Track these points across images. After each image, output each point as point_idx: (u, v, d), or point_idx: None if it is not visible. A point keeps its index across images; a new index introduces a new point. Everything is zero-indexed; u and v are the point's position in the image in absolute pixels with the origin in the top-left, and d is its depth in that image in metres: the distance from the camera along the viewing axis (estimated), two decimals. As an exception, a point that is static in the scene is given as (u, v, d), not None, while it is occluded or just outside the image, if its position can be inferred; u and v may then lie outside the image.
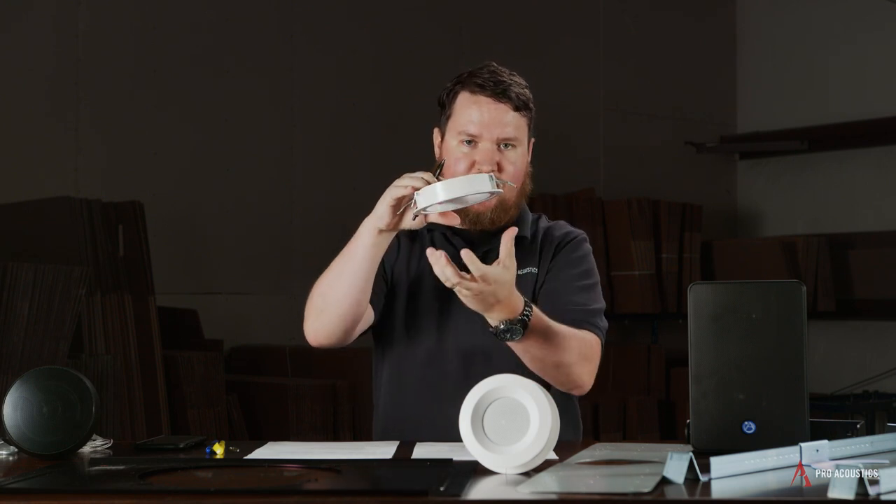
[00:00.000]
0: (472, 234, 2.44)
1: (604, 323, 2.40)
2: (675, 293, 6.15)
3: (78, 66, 5.05)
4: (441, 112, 2.48)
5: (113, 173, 5.09)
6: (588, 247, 2.49)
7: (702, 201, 6.44)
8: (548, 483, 1.71)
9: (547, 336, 2.19)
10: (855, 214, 6.80)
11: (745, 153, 7.33)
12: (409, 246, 2.48)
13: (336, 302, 2.29)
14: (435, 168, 2.30)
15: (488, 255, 2.40)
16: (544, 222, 2.53)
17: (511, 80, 2.42)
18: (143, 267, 4.62)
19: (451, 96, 2.44)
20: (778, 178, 7.18)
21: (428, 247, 2.26)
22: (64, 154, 5.00)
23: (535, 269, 2.43)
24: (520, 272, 2.38)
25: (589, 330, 2.33)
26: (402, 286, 2.45)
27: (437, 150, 2.49)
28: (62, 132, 5.01)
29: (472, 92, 2.40)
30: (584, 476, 1.78)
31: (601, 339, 2.36)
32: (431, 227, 2.43)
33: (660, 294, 6.13)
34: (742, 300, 1.93)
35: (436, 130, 2.49)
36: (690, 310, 1.95)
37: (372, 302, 2.37)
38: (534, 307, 2.17)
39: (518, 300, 2.12)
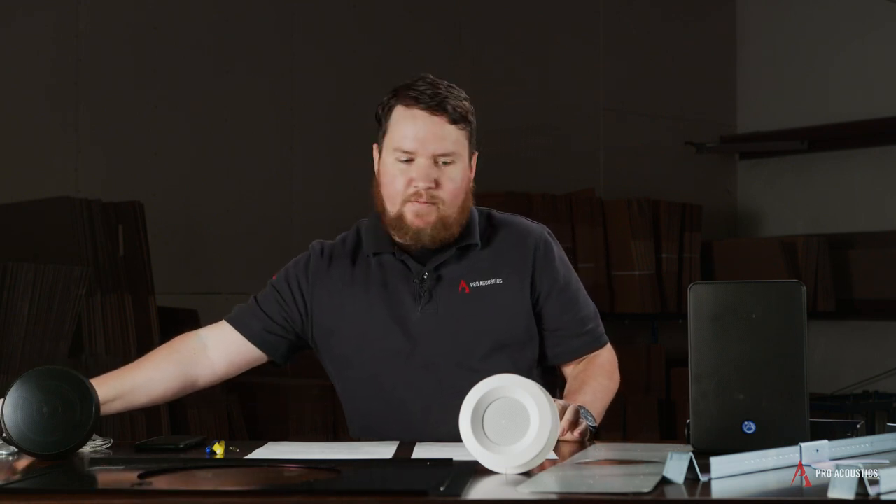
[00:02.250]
0: (419, 253, 2.38)
1: (600, 321, 2.49)
2: (675, 293, 6.14)
3: (78, 66, 5.05)
4: (378, 127, 2.40)
5: (113, 173, 5.09)
6: (555, 245, 2.47)
7: (702, 201, 6.44)
8: (548, 483, 1.71)
9: (604, 404, 2.40)
10: (855, 214, 6.80)
11: (745, 153, 7.33)
12: (366, 272, 2.41)
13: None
14: None
15: (440, 270, 2.38)
16: (497, 221, 2.46)
17: (448, 92, 2.34)
18: (143, 267, 4.62)
19: (387, 111, 2.36)
20: (778, 178, 7.18)
21: (373, 268, 2.38)
22: (64, 154, 5.00)
23: (500, 281, 2.38)
24: (481, 283, 2.38)
25: (601, 347, 2.47)
26: (347, 313, 2.39)
27: (376, 166, 2.42)
28: (62, 132, 5.01)
29: (407, 105, 2.33)
30: (584, 476, 1.78)
31: (607, 340, 2.50)
32: (377, 251, 2.40)
33: (660, 294, 6.13)
34: (742, 300, 1.93)
35: (375, 146, 2.42)
36: (690, 310, 1.95)
37: (262, 345, 2.46)
38: (589, 412, 2.28)
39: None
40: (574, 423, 2.16)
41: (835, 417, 4.15)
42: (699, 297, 1.95)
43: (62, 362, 4.08)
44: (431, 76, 2.38)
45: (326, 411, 4.83)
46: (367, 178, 5.81)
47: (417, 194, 2.31)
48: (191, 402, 4.63)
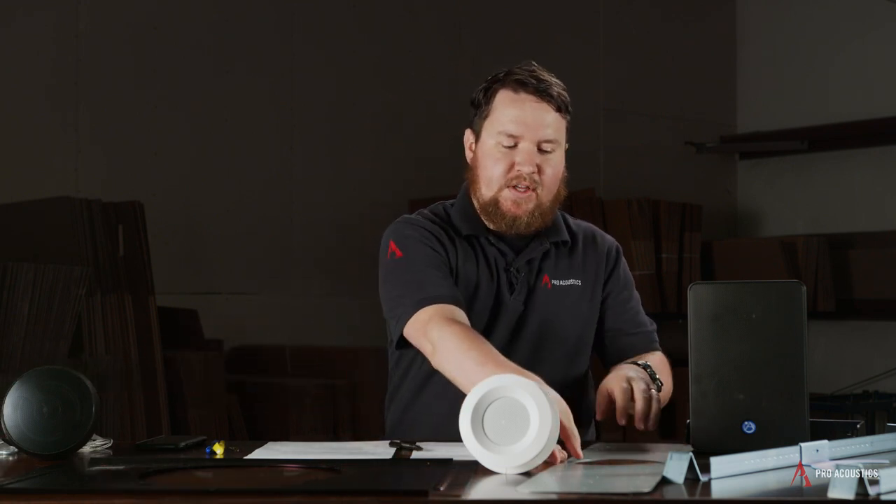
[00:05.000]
0: (515, 241, 2.40)
1: (655, 332, 2.55)
2: (675, 293, 6.14)
3: (78, 66, 5.05)
4: (474, 112, 2.40)
5: (113, 173, 5.09)
6: (623, 257, 2.52)
7: (702, 201, 6.44)
8: (548, 483, 1.71)
9: (668, 379, 2.34)
10: (855, 214, 6.80)
11: (745, 153, 7.32)
12: (465, 252, 2.39)
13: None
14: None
15: (532, 264, 2.38)
16: (574, 224, 2.50)
17: (551, 79, 2.37)
18: (143, 267, 4.62)
19: (490, 94, 2.36)
20: (778, 178, 7.18)
21: (478, 251, 2.34)
22: (64, 154, 5.00)
23: (578, 283, 2.41)
24: (562, 282, 2.38)
25: (655, 349, 2.49)
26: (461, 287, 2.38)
27: (468, 151, 2.42)
28: (62, 132, 5.01)
29: (514, 90, 2.34)
30: (584, 476, 1.78)
31: (660, 348, 2.53)
32: (470, 234, 2.39)
33: (660, 294, 6.13)
34: (742, 300, 1.93)
35: (468, 132, 2.42)
36: (690, 310, 1.95)
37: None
38: (655, 371, 2.27)
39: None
40: (646, 401, 2.09)
41: (835, 417, 4.15)
42: (699, 297, 1.95)
43: (62, 362, 4.07)
44: (535, 63, 2.40)
45: (326, 411, 4.83)
46: (366, 178, 5.81)
47: (520, 178, 2.32)
48: (191, 402, 4.64)
